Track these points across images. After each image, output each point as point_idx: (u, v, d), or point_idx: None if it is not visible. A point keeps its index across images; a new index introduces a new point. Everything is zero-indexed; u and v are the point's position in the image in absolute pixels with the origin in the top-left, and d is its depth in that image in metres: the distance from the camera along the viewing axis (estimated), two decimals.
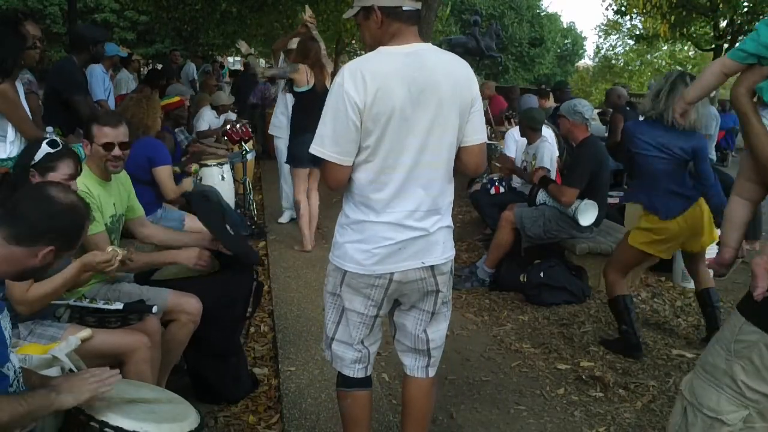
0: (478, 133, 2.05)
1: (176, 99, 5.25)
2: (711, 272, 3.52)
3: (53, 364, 1.96)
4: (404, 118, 1.89)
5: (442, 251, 2.05)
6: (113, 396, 1.76)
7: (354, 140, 1.89)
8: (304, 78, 4.93)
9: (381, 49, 1.95)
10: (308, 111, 4.99)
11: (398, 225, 1.95)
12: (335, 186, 1.97)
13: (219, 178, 5.63)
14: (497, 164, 5.21)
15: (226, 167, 5.80)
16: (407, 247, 1.97)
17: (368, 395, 2.21)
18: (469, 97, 1.99)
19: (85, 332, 2.13)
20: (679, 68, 3.82)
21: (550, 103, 8.05)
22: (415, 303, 2.12)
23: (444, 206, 2.05)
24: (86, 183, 2.60)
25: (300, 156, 5.04)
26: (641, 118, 3.46)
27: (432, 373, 2.22)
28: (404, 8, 1.92)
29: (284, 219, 6.09)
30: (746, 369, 1.57)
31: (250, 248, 3.10)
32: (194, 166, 5.00)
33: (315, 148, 1.93)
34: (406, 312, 2.16)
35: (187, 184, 4.31)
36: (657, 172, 3.29)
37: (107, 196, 2.72)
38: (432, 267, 2.03)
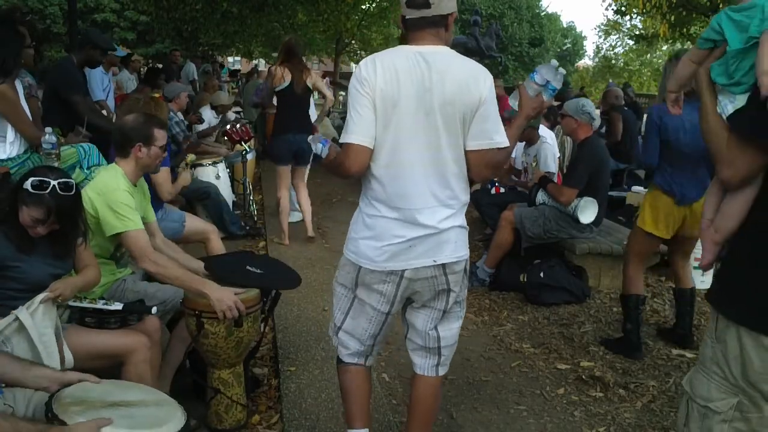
0: (478, 139, 2.00)
1: (157, 94, 5.26)
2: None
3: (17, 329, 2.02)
4: (411, 113, 1.95)
5: (454, 249, 2.05)
6: (95, 399, 1.75)
7: (371, 119, 1.96)
8: (279, 76, 5.01)
9: (399, 46, 2.06)
10: (287, 109, 5.10)
11: (408, 222, 1.99)
12: (357, 170, 2.00)
13: (214, 177, 5.64)
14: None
15: (221, 165, 5.81)
16: (417, 245, 2.00)
17: (365, 370, 2.27)
18: (474, 100, 1.97)
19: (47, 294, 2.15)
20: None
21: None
22: (427, 302, 2.14)
23: (456, 206, 2.05)
24: (126, 187, 2.69)
25: (280, 153, 5.20)
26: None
27: (442, 372, 2.24)
28: (407, 17, 2.00)
29: (293, 219, 6.15)
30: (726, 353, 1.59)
31: (285, 276, 2.94)
32: (190, 156, 4.96)
33: (342, 139, 2.02)
34: (417, 310, 2.18)
35: (184, 179, 4.24)
36: (684, 156, 3.29)
37: (135, 201, 2.76)
38: (444, 265, 2.04)
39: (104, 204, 2.60)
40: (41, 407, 1.80)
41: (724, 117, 1.67)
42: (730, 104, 1.67)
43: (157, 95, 5.21)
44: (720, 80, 1.67)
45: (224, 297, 2.46)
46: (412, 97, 1.94)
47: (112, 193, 2.62)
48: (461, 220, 2.09)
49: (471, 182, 2.12)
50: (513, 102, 2.22)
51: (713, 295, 1.66)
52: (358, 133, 1.96)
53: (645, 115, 10.12)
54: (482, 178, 2.13)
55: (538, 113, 2.17)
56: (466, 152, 2.03)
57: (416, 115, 1.95)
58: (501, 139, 2.02)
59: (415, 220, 1.98)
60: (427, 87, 1.94)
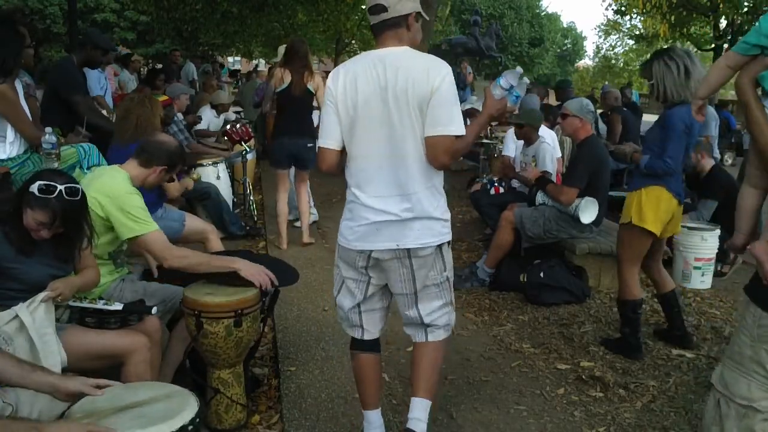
0: (433, 126, 2.12)
1: (163, 98, 5.25)
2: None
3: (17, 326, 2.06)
4: (371, 110, 2.17)
5: (417, 237, 2.20)
6: (105, 407, 1.74)
7: (335, 124, 2.24)
8: (279, 77, 4.97)
9: (364, 52, 2.31)
10: (284, 112, 5.02)
11: (372, 208, 2.20)
12: (326, 169, 2.30)
13: (214, 177, 5.64)
14: (497, 161, 5.20)
15: (222, 166, 5.81)
16: (383, 229, 2.20)
17: (371, 358, 2.45)
18: (425, 91, 2.10)
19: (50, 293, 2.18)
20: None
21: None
22: (396, 289, 2.30)
23: (417, 196, 2.18)
24: (135, 191, 2.73)
25: (277, 157, 5.17)
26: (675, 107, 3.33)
27: (433, 338, 2.38)
28: (371, 23, 2.23)
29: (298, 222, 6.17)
30: None
31: (284, 275, 2.90)
32: (195, 174, 5.03)
33: (317, 143, 2.29)
34: (394, 295, 2.38)
35: (188, 182, 4.33)
36: (684, 158, 3.28)
37: None
38: (408, 251, 2.20)
39: (116, 208, 2.59)
40: (47, 412, 1.81)
41: None
42: None
43: (163, 98, 5.21)
44: None
45: (255, 269, 2.59)
46: (369, 98, 2.15)
47: (123, 196, 2.62)
48: (427, 211, 2.20)
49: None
50: (478, 103, 2.33)
51: (760, 298, 1.62)
52: (324, 137, 2.27)
53: (643, 115, 10.16)
54: (440, 164, 2.20)
55: (501, 115, 2.35)
56: (424, 139, 2.15)
57: (374, 112, 2.16)
58: (456, 128, 2.13)
59: (378, 207, 2.18)
60: (383, 85, 2.14)
